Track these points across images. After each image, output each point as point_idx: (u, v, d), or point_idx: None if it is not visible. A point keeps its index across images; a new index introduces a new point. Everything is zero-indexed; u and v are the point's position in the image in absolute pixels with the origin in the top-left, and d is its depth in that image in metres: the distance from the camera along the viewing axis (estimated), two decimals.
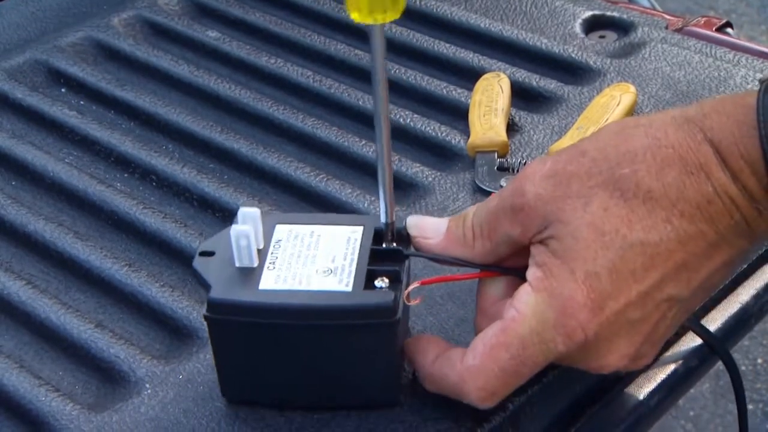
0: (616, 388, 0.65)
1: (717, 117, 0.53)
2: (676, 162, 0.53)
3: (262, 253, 0.58)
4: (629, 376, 0.66)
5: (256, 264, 0.58)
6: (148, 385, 0.62)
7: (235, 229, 0.57)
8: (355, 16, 0.51)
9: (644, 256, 0.52)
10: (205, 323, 0.64)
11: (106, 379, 0.64)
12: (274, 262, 0.58)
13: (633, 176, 0.53)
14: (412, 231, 0.59)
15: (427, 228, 0.59)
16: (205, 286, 0.57)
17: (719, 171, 0.52)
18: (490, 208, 0.56)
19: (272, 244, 0.59)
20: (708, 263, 0.54)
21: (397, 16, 0.52)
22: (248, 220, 0.58)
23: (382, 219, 0.58)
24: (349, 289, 0.56)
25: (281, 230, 0.60)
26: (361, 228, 0.60)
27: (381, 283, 0.57)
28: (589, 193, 0.53)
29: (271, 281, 0.57)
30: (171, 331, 0.67)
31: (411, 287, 0.57)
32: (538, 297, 0.53)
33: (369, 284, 0.57)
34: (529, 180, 0.55)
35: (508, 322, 0.54)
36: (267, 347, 0.58)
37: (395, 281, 0.57)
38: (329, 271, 0.57)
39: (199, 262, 0.59)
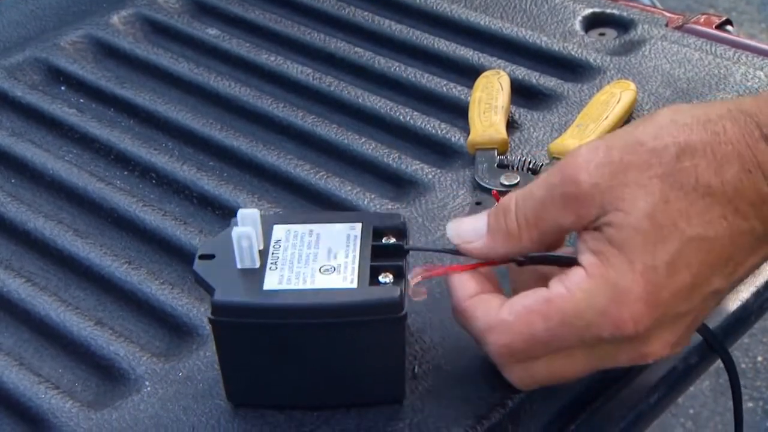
0: (616, 385, 0.65)
1: None
2: (734, 159, 0.53)
3: (263, 254, 0.58)
4: (629, 375, 0.66)
5: (258, 265, 0.58)
6: (147, 383, 0.62)
7: (236, 230, 0.57)
8: None
9: (700, 252, 0.53)
10: (206, 322, 0.64)
11: (106, 376, 0.64)
12: (275, 263, 0.58)
13: (693, 170, 0.53)
14: (454, 240, 0.58)
15: (468, 232, 0.58)
16: (208, 289, 0.57)
17: None
18: (537, 197, 0.55)
19: (272, 244, 0.59)
20: (752, 258, 0.55)
21: None
22: (248, 221, 0.58)
23: None
24: (354, 285, 0.56)
25: (279, 230, 0.60)
26: (359, 225, 0.60)
27: (385, 278, 0.57)
28: (649, 183, 0.53)
29: (275, 281, 0.57)
30: (171, 329, 0.67)
31: (413, 282, 0.57)
32: (592, 282, 0.53)
33: (373, 280, 0.57)
34: (582, 169, 0.54)
35: (554, 295, 0.54)
36: (272, 348, 0.58)
37: (399, 276, 0.57)
38: (332, 269, 0.57)
39: (199, 266, 0.58)
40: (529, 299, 0.55)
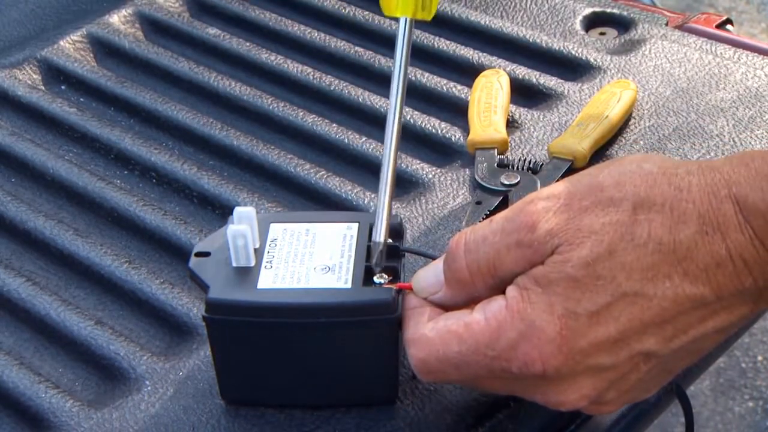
0: None
1: (745, 171, 0.51)
2: (693, 219, 0.51)
3: (258, 253, 0.58)
4: None
5: (253, 263, 0.58)
6: (148, 382, 0.62)
7: (231, 229, 0.57)
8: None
9: (633, 307, 0.51)
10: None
11: (106, 375, 0.64)
12: (270, 261, 0.58)
13: (647, 225, 0.51)
14: (420, 294, 0.57)
15: (429, 284, 0.56)
16: (203, 286, 0.57)
17: (737, 231, 0.51)
18: (491, 243, 0.54)
19: (268, 243, 0.59)
20: (699, 327, 0.52)
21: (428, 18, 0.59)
22: (244, 219, 0.58)
23: (379, 238, 0.58)
24: (348, 285, 0.56)
25: (276, 229, 0.60)
26: (356, 225, 0.60)
27: (380, 279, 0.57)
28: (601, 230, 0.51)
29: (269, 280, 0.57)
30: (171, 328, 0.67)
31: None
32: (508, 315, 0.52)
33: (368, 281, 0.57)
34: (541, 217, 0.53)
35: (472, 320, 0.53)
36: (266, 347, 0.58)
37: (394, 277, 0.57)
38: (327, 269, 0.57)
39: (195, 263, 0.58)
40: (452, 320, 0.54)
